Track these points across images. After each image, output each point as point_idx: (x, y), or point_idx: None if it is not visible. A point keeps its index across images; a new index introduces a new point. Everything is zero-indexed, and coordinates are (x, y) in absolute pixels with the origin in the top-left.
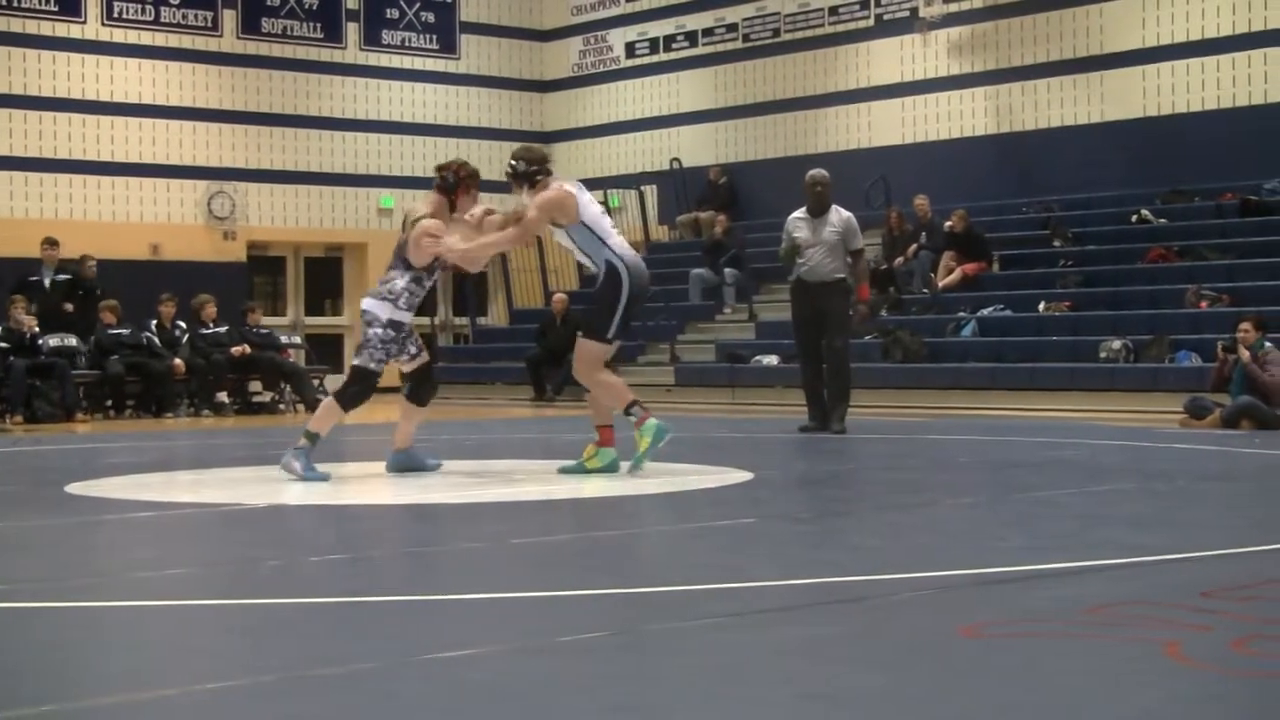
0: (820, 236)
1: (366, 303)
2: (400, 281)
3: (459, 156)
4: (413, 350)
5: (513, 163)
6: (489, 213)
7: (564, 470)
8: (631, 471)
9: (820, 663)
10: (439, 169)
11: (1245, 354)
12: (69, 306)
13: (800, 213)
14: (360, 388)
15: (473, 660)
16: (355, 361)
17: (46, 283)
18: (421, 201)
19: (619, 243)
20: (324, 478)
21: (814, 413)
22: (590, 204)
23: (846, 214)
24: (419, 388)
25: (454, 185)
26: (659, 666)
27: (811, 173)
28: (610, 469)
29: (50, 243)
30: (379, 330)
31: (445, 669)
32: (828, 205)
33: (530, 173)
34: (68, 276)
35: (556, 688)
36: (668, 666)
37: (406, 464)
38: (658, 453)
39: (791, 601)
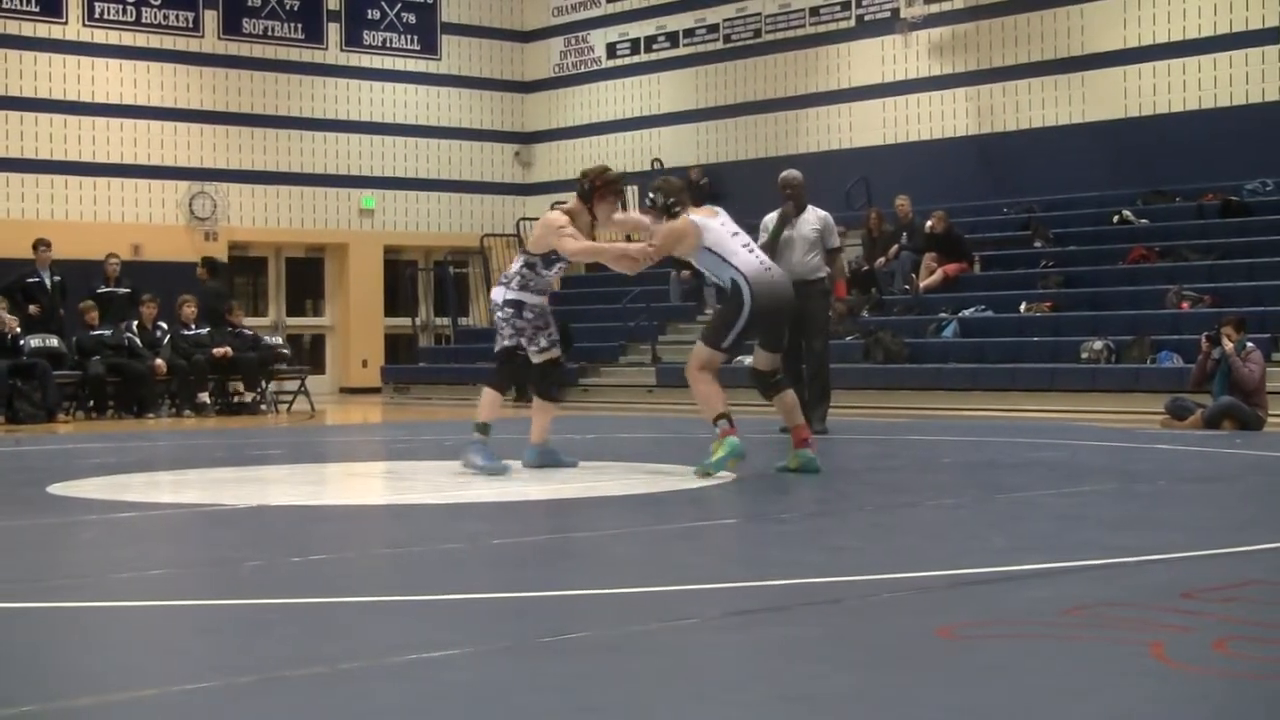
0: (799, 234)
1: (492, 292)
2: (514, 266)
3: (600, 165)
4: (543, 343)
5: (652, 195)
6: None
7: (781, 469)
8: (698, 473)
9: (799, 664)
10: (581, 175)
11: (1229, 345)
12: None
13: (777, 213)
14: (499, 370)
15: (452, 661)
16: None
17: (48, 283)
18: (571, 201)
19: (745, 260)
20: (503, 470)
21: None
22: (715, 229)
23: (824, 213)
24: (545, 382)
25: (589, 193)
26: (638, 667)
27: (783, 174)
28: (809, 468)
29: (44, 244)
30: (500, 313)
31: (425, 669)
32: (803, 205)
33: (668, 204)
34: (59, 278)
35: (535, 688)
36: (647, 667)
37: (542, 460)
38: (723, 467)
39: (771, 602)
